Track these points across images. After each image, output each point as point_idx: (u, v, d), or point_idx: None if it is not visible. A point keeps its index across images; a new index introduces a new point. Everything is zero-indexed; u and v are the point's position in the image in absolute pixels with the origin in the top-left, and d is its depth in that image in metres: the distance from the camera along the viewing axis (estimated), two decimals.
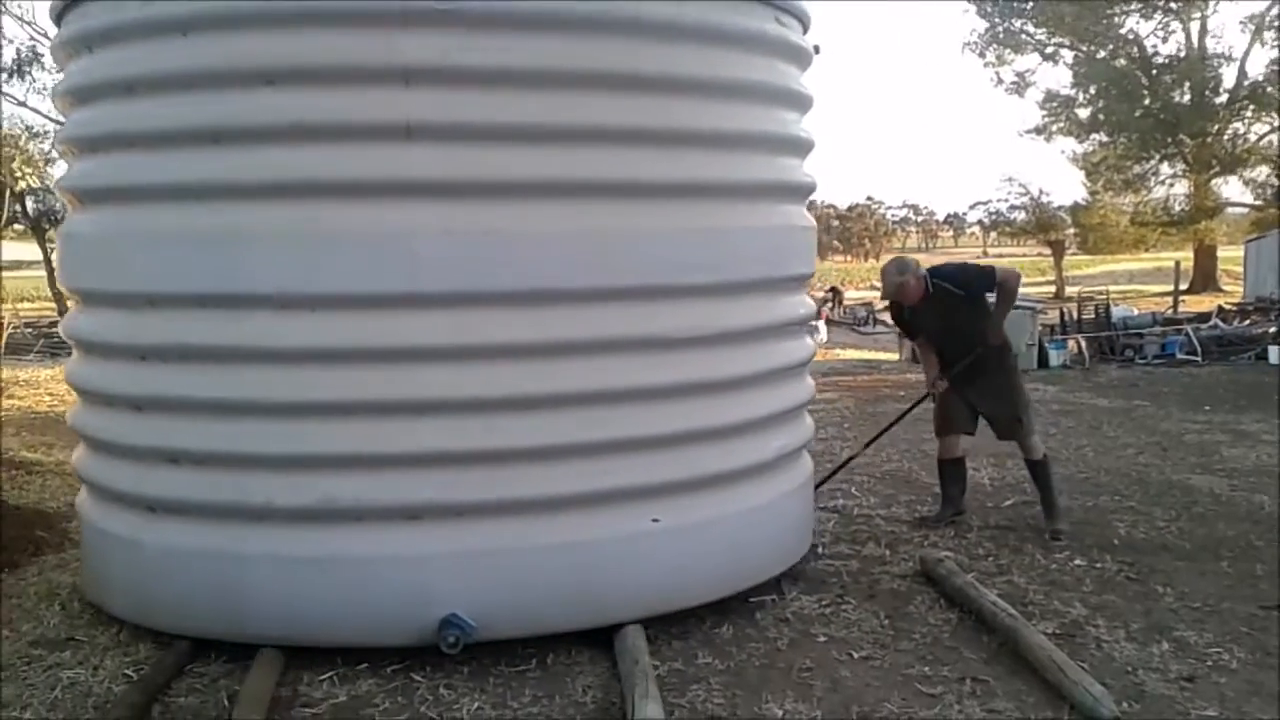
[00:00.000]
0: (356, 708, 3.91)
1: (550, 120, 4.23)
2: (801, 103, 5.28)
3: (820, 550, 5.69)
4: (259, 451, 4.25)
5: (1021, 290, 6.81)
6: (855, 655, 4.33)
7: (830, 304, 38.08)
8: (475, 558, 4.26)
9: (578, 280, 4.28)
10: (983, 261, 7.45)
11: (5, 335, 13.03)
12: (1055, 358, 15.69)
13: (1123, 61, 38.64)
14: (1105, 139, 40.54)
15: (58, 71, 5.12)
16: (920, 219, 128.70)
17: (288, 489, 4.23)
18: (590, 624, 4.41)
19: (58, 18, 4.79)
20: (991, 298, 6.12)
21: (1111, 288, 34.58)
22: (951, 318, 6.02)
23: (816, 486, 6.05)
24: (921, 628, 4.61)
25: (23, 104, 27.02)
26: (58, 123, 11.38)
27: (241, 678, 4.08)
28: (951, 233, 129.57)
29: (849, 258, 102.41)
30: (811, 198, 5.61)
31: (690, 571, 4.60)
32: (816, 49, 5.36)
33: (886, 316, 19.61)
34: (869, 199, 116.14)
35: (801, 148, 5.31)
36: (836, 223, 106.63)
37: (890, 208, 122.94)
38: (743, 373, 4.77)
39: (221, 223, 4.17)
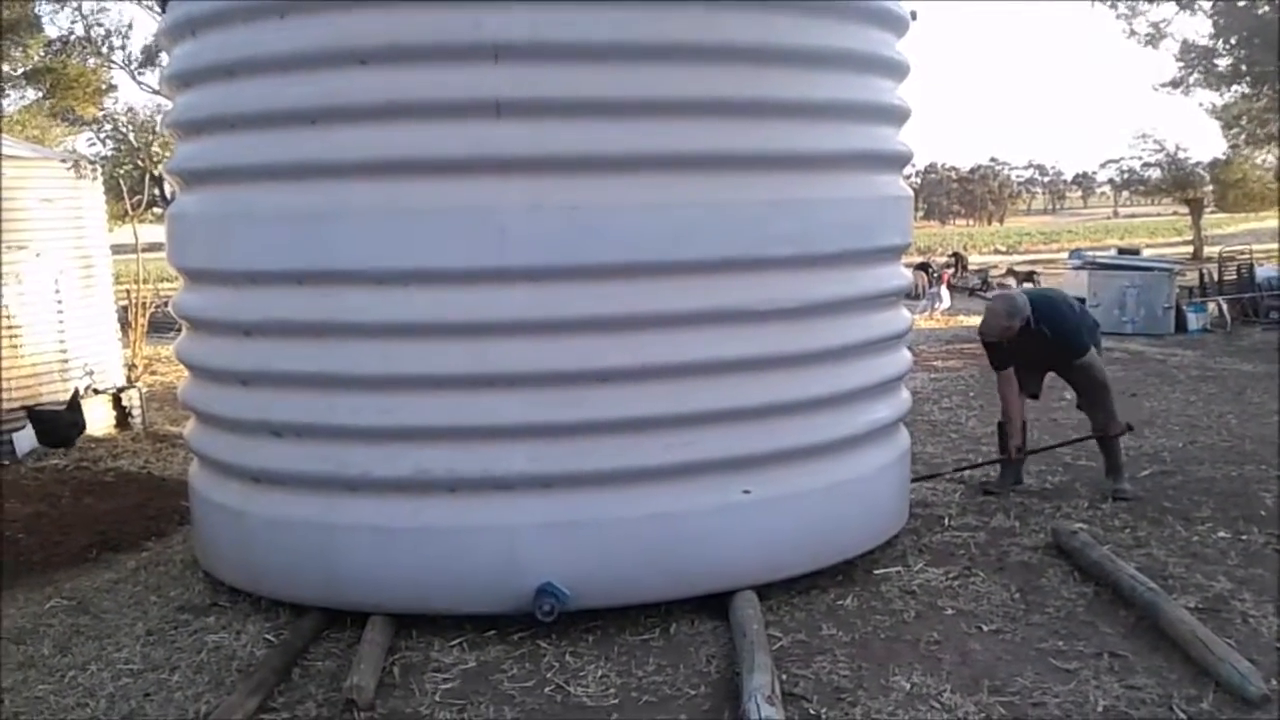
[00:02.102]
0: (485, 673, 4.00)
1: (636, 94, 4.23)
2: (896, 70, 5.14)
3: (946, 522, 5.58)
4: (355, 424, 4.36)
5: (1158, 251, 6.55)
6: (985, 628, 4.23)
7: (953, 270, 37.15)
8: (564, 528, 4.31)
9: (662, 254, 4.28)
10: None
11: (148, 314, 13.61)
12: (1194, 321, 14.97)
13: (1266, 9, 36.50)
14: (1247, 91, 38.30)
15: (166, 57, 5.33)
16: (1046, 179, 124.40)
17: (383, 460, 4.33)
18: (678, 594, 4.45)
19: (163, 3, 4.93)
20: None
21: (1256, 247, 32.85)
22: (1046, 351, 5.94)
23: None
24: (1055, 601, 4.48)
25: (156, 91, 28.23)
26: None
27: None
28: (1080, 193, 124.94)
29: (971, 221, 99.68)
30: (915, 163, 5.48)
31: (779, 544, 4.58)
32: (914, 15, 5.23)
33: (1000, 282, 18.89)
34: (992, 160, 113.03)
35: (896, 116, 5.18)
36: (958, 185, 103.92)
37: (1015, 168, 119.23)
38: (829, 345, 4.70)
39: (317, 201, 4.27)
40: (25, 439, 8.61)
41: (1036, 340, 5.89)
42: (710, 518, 4.46)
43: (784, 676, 3.84)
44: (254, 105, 4.44)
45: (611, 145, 4.21)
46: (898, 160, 5.27)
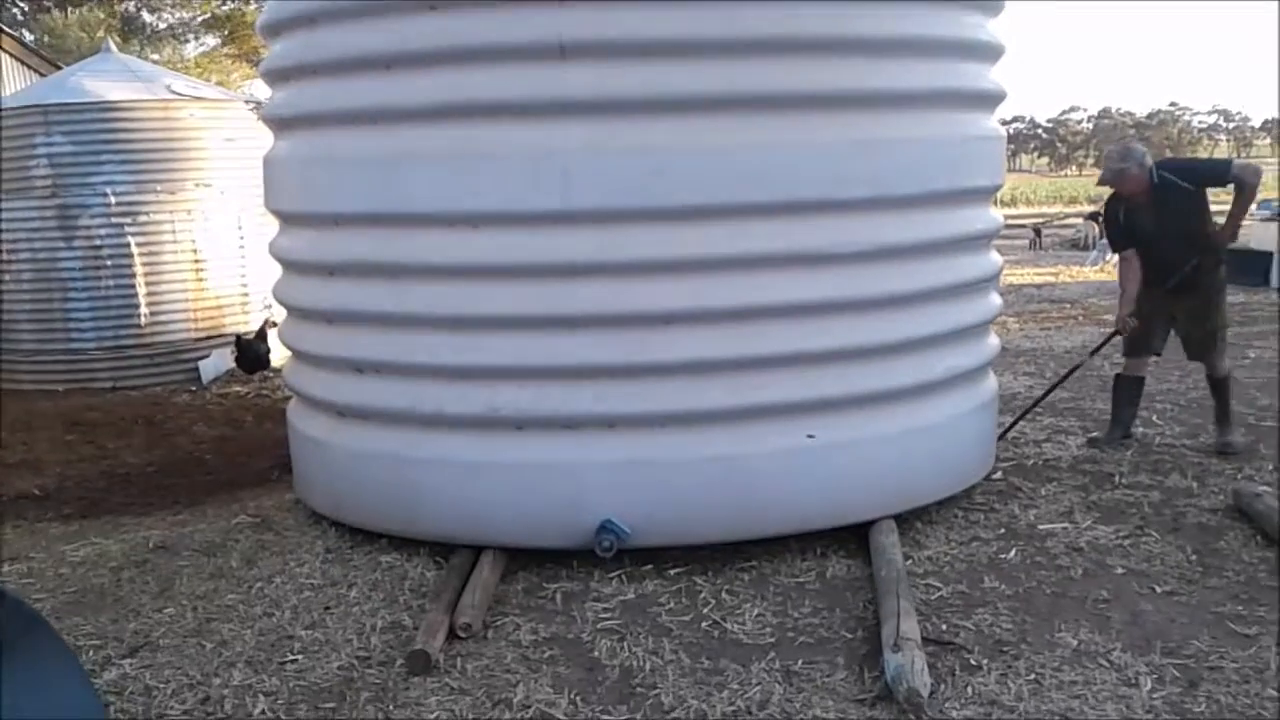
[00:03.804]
0: (643, 605, 4.08)
1: (701, 33, 4.19)
2: (987, 4, 4.95)
3: (1116, 479, 5.37)
4: (428, 362, 4.50)
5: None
6: (1158, 589, 4.08)
7: None
8: (627, 467, 4.37)
9: (727, 196, 4.24)
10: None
11: None
12: None
13: None
14: None
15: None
16: (1231, 125, 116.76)
17: (455, 398, 4.46)
18: (741, 536, 4.47)
19: None
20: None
21: None
22: (1172, 219, 5.52)
23: (1001, 436, 5.82)
24: (1234, 565, 4.28)
25: None
26: None
27: (527, 566, 4.40)
28: (1268, 140, 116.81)
29: None
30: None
31: (846, 489, 4.55)
32: None
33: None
34: (1172, 104, 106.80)
35: (984, 52, 4.98)
36: (1134, 131, 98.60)
37: (1197, 113, 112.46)
38: (904, 289, 4.59)
39: (391, 145, 4.41)
40: (210, 367, 9.17)
41: (1169, 201, 5.50)
42: (774, 460, 4.45)
43: (944, 626, 3.81)
44: (332, 52, 4.60)
45: (676, 86, 4.19)
46: (985, 98, 5.06)
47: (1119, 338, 5.97)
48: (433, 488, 4.54)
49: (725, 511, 4.43)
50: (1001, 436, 5.84)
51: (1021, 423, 6.30)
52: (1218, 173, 5.65)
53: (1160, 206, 5.54)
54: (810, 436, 4.47)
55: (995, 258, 5.28)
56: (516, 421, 4.43)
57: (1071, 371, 6.36)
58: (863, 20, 4.41)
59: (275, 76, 5.10)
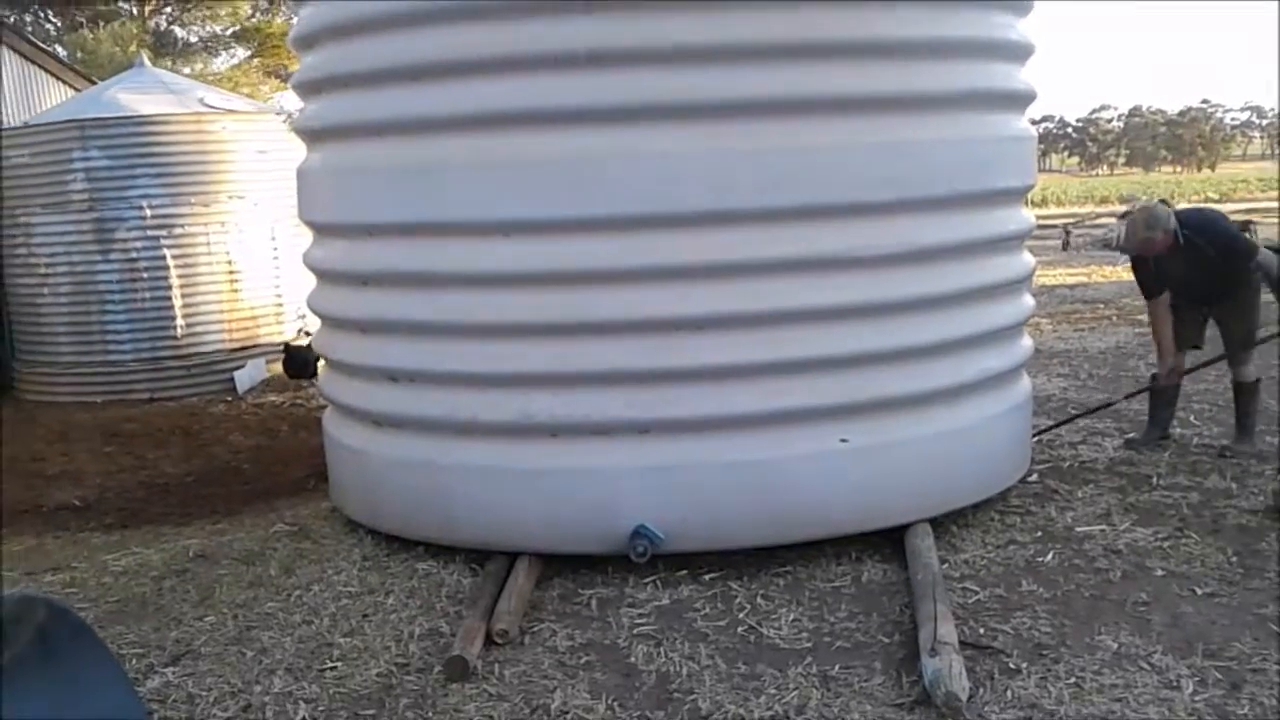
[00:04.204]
0: (679, 611, 4.09)
1: (727, 39, 4.21)
2: (1017, 4, 4.94)
3: (1154, 481, 5.33)
4: (463, 370, 4.53)
5: None
6: (1199, 591, 4.04)
7: None
8: (660, 472, 4.38)
9: (754, 201, 4.26)
10: (1233, 217, 6.58)
11: None
12: None
13: None
14: None
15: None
16: (1264, 122, 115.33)
17: (489, 405, 4.49)
18: (774, 541, 4.45)
19: None
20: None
21: None
22: (1202, 267, 5.48)
23: (1036, 436, 5.82)
24: (1275, 566, 4.25)
25: None
26: None
27: (562, 573, 4.43)
28: None
29: (1179, 169, 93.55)
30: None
31: (878, 493, 4.53)
32: None
33: None
34: (1204, 101, 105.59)
35: (1013, 52, 4.95)
36: (1165, 129, 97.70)
37: (1229, 110, 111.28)
38: (932, 292, 4.57)
39: (422, 155, 4.46)
40: (245, 378, 9.26)
41: (1189, 258, 5.45)
42: (806, 464, 4.46)
43: (982, 630, 3.79)
44: (363, 64, 4.65)
45: (704, 93, 4.21)
46: (1015, 98, 5.04)
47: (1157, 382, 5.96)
48: (467, 495, 4.57)
49: (758, 516, 4.43)
50: (1036, 437, 5.81)
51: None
52: (1238, 254, 5.54)
53: (1190, 259, 5.50)
54: (843, 440, 4.46)
55: (1027, 258, 5.25)
56: (550, 428, 4.44)
57: (1102, 407, 6.33)
58: (887, 23, 4.42)
59: (307, 89, 5.16)
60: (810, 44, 4.29)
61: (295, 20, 5.29)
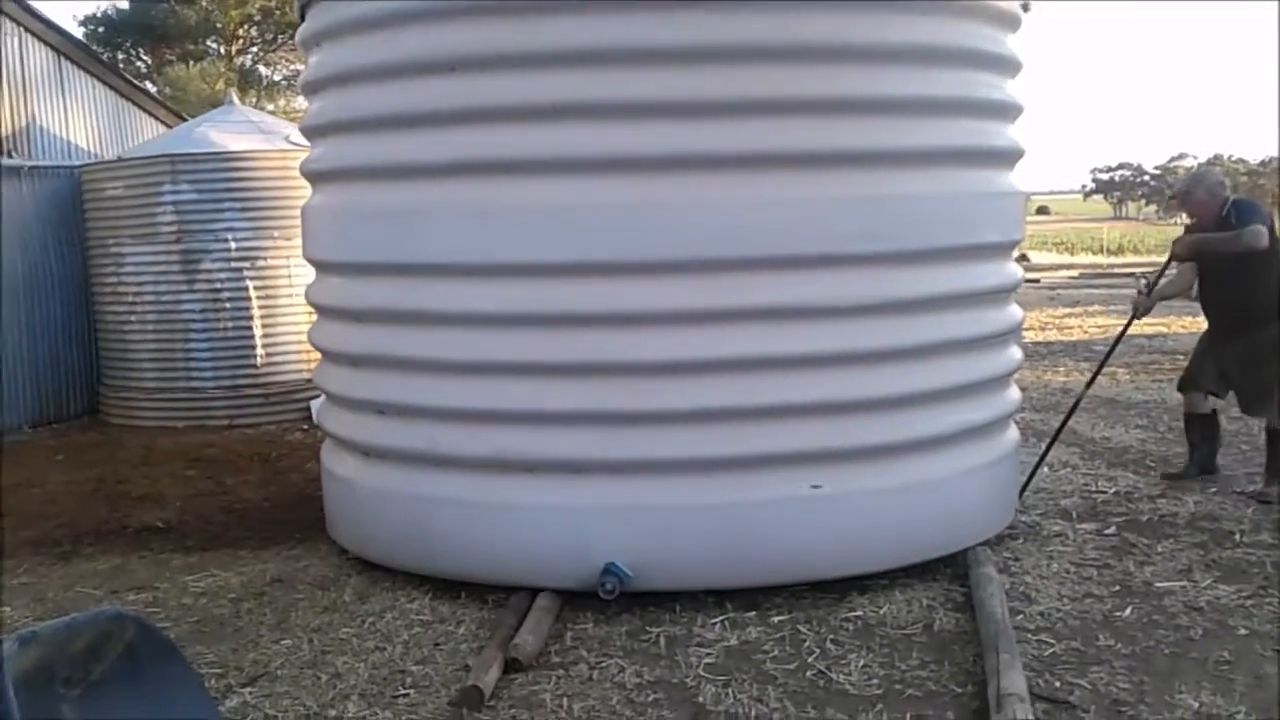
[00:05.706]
0: (747, 652, 4.08)
1: (702, 94, 4.33)
2: (1003, 65, 5.00)
3: (1238, 538, 5.21)
4: (444, 405, 4.66)
5: None
6: None
7: None
8: (630, 512, 4.48)
9: (728, 250, 4.36)
10: None
11: None
12: None
13: None
14: None
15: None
16: None
17: (468, 440, 4.61)
18: (741, 583, 4.52)
19: (300, 15, 5.35)
20: None
21: None
22: (1234, 257, 5.53)
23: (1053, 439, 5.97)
24: None
25: None
26: None
27: (631, 609, 4.45)
28: None
29: None
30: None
31: (847, 540, 4.56)
32: (1025, 7, 5.08)
33: None
34: None
35: (1001, 111, 5.01)
36: (1245, 179, 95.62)
37: None
38: (907, 343, 4.59)
39: (410, 199, 4.64)
40: (322, 407, 9.41)
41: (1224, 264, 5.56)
42: (775, 510, 4.50)
43: (1057, 684, 3.72)
44: (360, 110, 4.86)
45: (680, 145, 4.34)
46: (1000, 155, 5.07)
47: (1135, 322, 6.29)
48: (446, 526, 4.70)
49: (726, 557, 4.50)
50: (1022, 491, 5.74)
51: (1134, 477, 6.18)
52: (1250, 219, 5.55)
53: (1223, 257, 5.62)
54: (815, 487, 4.50)
55: (1013, 311, 5.24)
56: (526, 464, 4.56)
57: (1102, 364, 6.50)
58: (868, 81, 4.53)
59: (312, 132, 5.41)
60: (785, 100, 4.41)
61: (306, 66, 5.50)
